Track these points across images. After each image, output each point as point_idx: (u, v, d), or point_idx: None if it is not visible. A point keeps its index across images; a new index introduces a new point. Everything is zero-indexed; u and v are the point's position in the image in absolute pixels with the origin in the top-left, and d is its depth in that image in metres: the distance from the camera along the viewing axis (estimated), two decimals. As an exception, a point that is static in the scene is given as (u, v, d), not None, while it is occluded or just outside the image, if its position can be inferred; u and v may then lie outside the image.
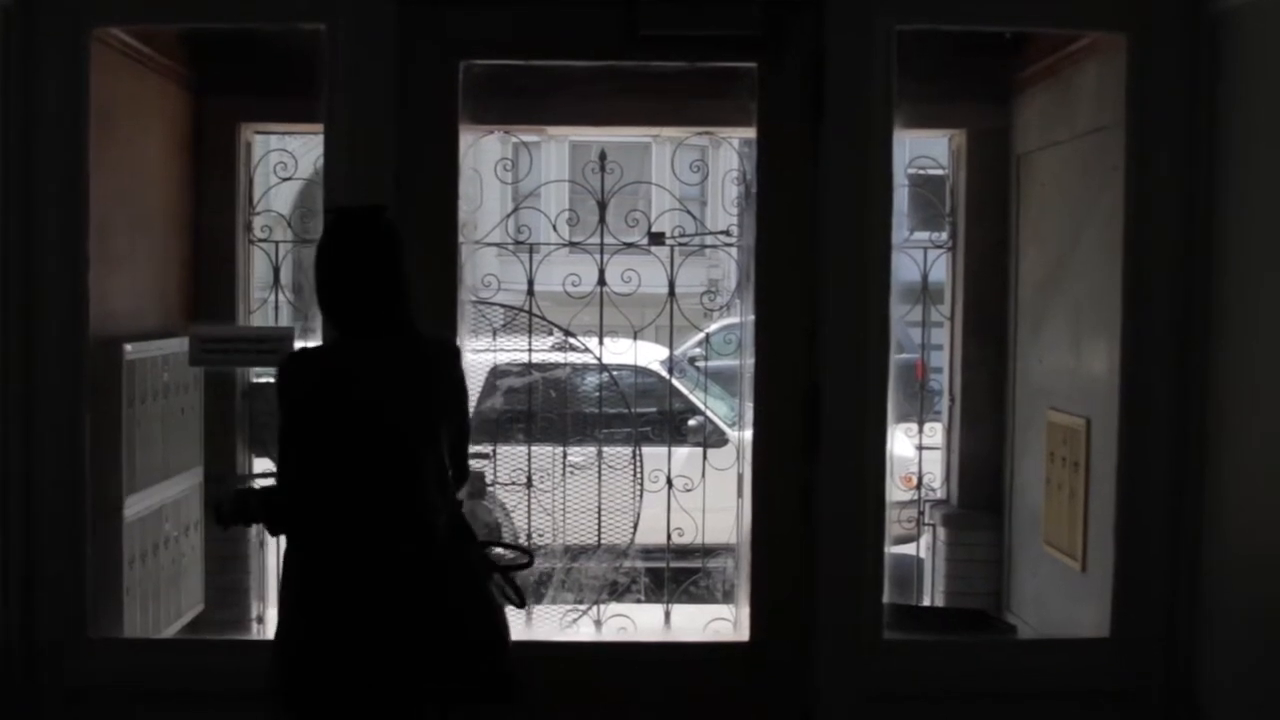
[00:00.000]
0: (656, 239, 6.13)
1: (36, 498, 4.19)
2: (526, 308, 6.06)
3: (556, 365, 6.79)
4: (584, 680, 4.39)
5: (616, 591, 6.39)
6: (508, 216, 6.33)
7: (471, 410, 3.93)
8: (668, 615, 5.74)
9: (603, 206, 5.66)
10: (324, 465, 3.42)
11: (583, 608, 5.89)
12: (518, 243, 6.09)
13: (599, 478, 5.98)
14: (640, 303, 5.94)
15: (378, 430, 3.46)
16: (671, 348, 6.77)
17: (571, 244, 5.96)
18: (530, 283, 5.78)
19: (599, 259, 5.65)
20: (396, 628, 3.40)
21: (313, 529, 3.42)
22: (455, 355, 3.71)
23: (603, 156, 5.70)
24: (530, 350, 6.25)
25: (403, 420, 3.49)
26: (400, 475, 3.46)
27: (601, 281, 5.61)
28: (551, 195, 7.05)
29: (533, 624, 5.71)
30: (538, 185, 6.78)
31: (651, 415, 7.61)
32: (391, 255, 3.51)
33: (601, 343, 5.93)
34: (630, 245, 5.96)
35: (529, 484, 6.05)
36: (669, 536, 5.92)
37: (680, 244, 6.19)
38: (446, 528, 3.52)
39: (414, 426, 3.50)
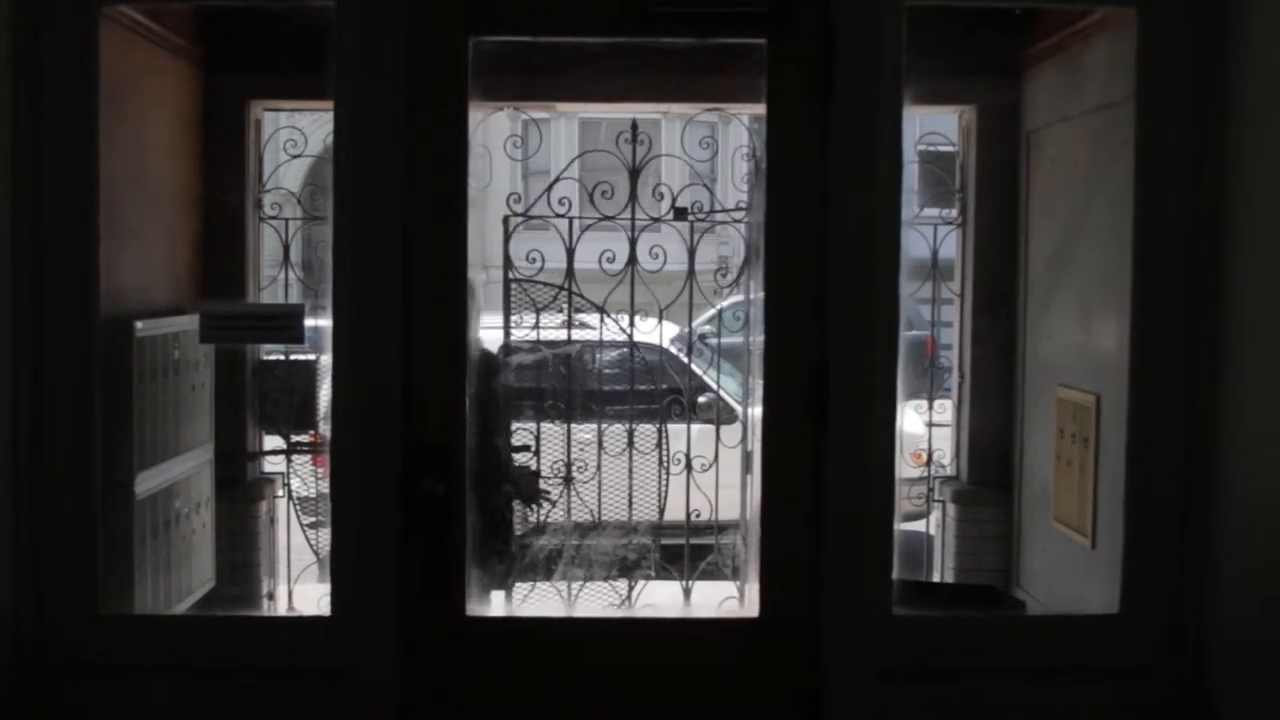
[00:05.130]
0: (680, 214, 6.10)
1: (47, 475, 4.19)
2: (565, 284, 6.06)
3: (566, 343, 6.80)
4: (594, 653, 4.39)
5: (628, 569, 6.41)
6: (545, 192, 6.29)
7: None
8: (687, 593, 5.74)
9: (634, 174, 5.62)
10: None
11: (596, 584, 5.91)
12: (533, 217, 6.09)
13: (599, 454, 5.98)
14: (652, 280, 5.94)
15: None
16: (691, 325, 6.77)
17: (589, 219, 5.95)
18: (542, 258, 5.79)
19: (630, 233, 5.64)
20: None
21: None
22: None
23: (634, 127, 5.64)
24: (538, 327, 6.26)
25: None
26: None
27: (632, 259, 5.59)
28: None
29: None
30: (548, 163, 6.77)
31: (661, 392, 7.62)
32: None
33: (632, 322, 5.92)
34: (656, 220, 5.95)
35: (536, 451, 6.08)
36: (688, 516, 5.93)
37: (699, 220, 6.18)
38: None
39: None
